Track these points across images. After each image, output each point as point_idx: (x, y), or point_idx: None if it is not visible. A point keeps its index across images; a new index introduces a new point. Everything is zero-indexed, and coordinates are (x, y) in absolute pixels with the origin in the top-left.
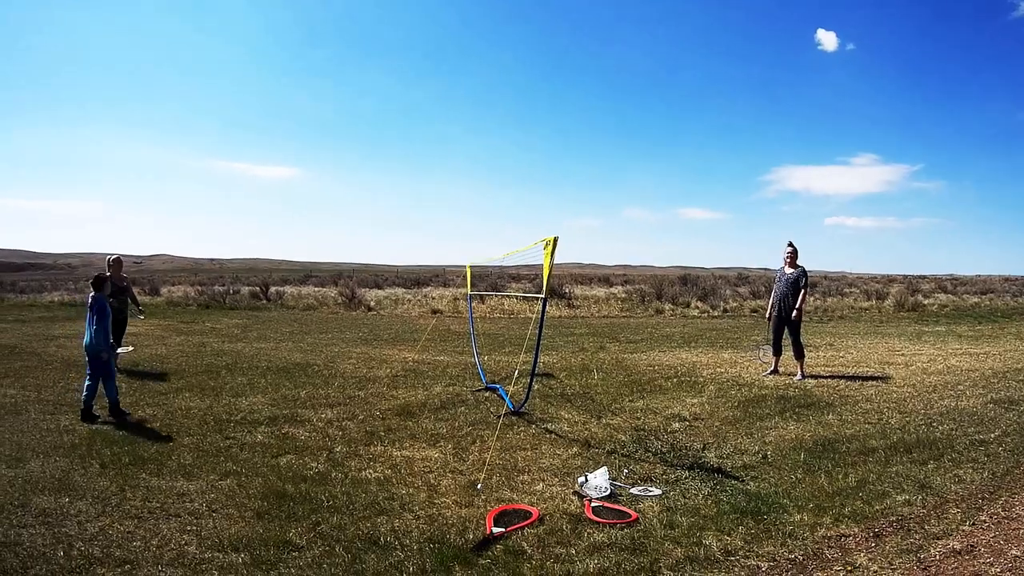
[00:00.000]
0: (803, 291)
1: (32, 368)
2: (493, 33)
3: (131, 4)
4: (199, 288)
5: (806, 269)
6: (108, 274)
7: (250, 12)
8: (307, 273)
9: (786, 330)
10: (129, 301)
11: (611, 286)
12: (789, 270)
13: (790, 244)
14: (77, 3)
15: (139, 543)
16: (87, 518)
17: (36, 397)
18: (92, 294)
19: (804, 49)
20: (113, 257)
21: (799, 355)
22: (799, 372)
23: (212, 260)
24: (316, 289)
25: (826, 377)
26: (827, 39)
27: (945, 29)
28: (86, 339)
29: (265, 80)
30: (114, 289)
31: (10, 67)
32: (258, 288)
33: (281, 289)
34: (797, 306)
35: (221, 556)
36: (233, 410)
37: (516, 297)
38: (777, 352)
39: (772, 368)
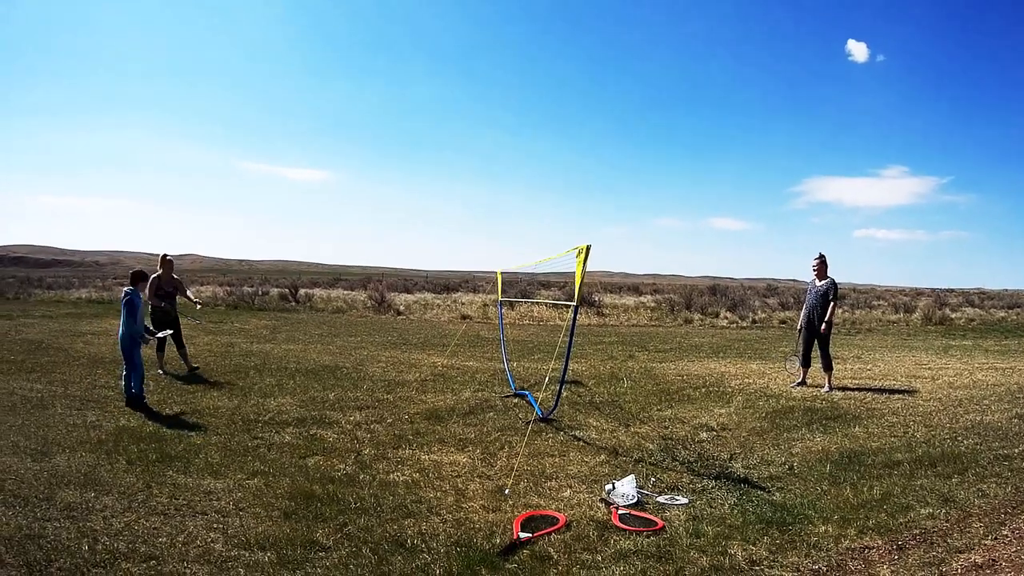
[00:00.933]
0: (832, 303)
1: (59, 364)
2: (532, 43)
3: (166, 7)
4: (228, 288)
5: (835, 281)
6: (159, 272)
7: (285, 17)
8: (336, 276)
9: (815, 342)
10: (188, 300)
11: (641, 295)
12: (819, 282)
13: (819, 256)
14: (111, 5)
15: (165, 539)
16: (113, 513)
17: (63, 392)
18: (125, 288)
19: (835, 60)
20: (168, 257)
21: (827, 367)
22: (827, 384)
23: (241, 261)
24: (345, 292)
25: (853, 390)
26: (858, 50)
27: (976, 41)
28: (120, 332)
29: (298, 83)
30: (163, 293)
31: (41, 67)
32: (287, 290)
33: (310, 291)
34: (826, 319)
35: (247, 554)
36: (261, 410)
37: (546, 304)
38: (806, 364)
39: (800, 380)
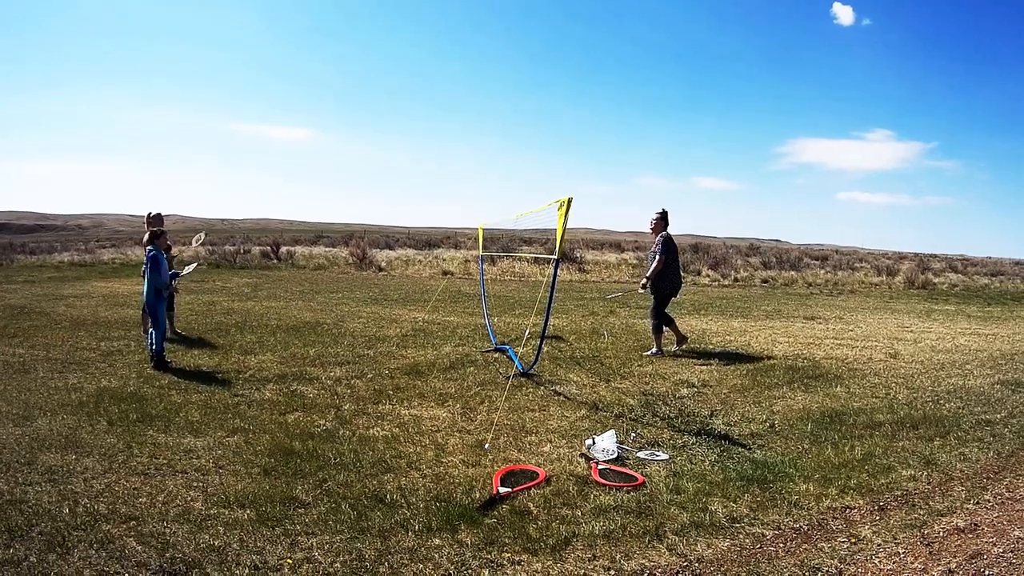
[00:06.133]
0: (656, 259)
1: (41, 328)
2: (512, 1)
3: None
4: (210, 248)
5: (666, 237)
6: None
7: None
8: (318, 233)
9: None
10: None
11: (622, 252)
12: (655, 240)
13: (658, 211)
14: None
15: (145, 499)
16: (93, 475)
17: (44, 356)
18: (147, 247)
19: (820, 23)
20: (153, 214)
21: (655, 328)
22: (654, 347)
23: (223, 220)
24: (327, 249)
25: (835, 350)
26: (843, 13)
27: (963, 7)
28: (144, 291)
29: (280, 42)
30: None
31: (23, 32)
32: (269, 248)
33: (292, 249)
34: (647, 273)
35: (227, 512)
36: (242, 367)
37: (528, 259)
38: (669, 326)
39: (677, 340)
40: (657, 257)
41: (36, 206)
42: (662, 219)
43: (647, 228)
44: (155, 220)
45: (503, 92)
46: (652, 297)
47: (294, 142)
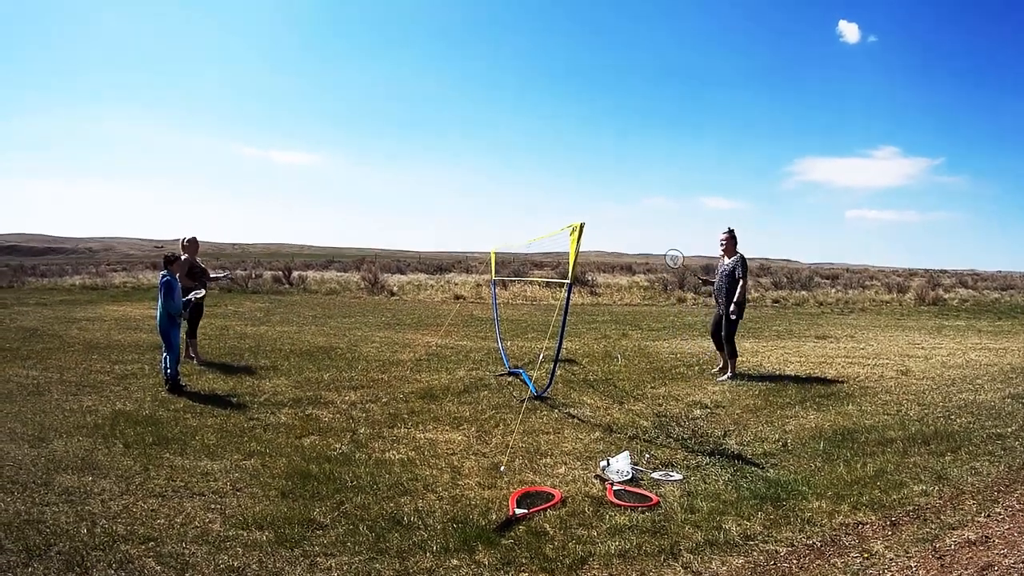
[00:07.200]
0: (740, 282)
1: (54, 350)
2: (520, 20)
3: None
4: (221, 271)
5: (744, 257)
6: (183, 255)
7: (276, 2)
8: (330, 258)
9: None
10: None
11: (633, 274)
12: (726, 260)
13: (727, 231)
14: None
15: (163, 521)
16: (111, 496)
17: (58, 378)
18: (162, 272)
19: (826, 41)
20: (188, 238)
21: (731, 353)
22: (728, 371)
23: (234, 245)
24: (339, 274)
25: (847, 368)
26: (849, 31)
27: (968, 22)
28: (157, 315)
29: (289, 67)
30: (195, 273)
31: (37, 55)
32: (281, 272)
33: (304, 274)
34: (735, 300)
35: (245, 534)
36: (257, 391)
37: (540, 283)
38: (719, 348)
39: (721, 366)
40: (742, 280)
41: (45, 228)
42: (733, 238)
43: (656, 250)
44: (190, 244)
45: (511, 115)
46: (727, 321)
47: (303, 167)
